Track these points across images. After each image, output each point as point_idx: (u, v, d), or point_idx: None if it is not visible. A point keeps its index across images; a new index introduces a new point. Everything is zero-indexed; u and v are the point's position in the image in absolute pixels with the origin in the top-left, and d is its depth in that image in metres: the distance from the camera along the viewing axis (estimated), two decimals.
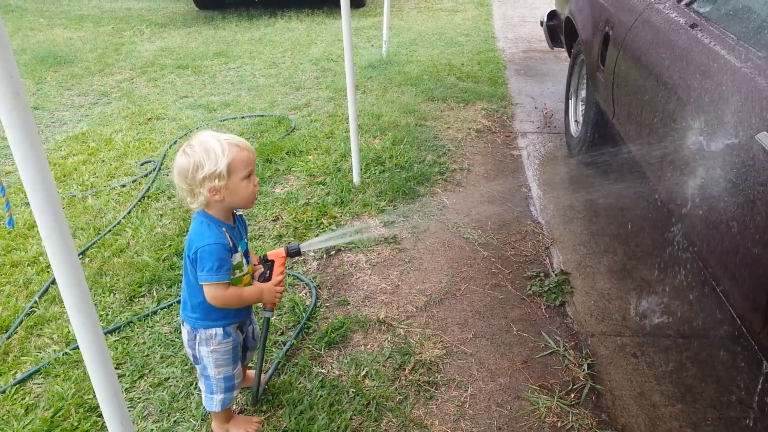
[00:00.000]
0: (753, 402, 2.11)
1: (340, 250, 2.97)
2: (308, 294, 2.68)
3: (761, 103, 1.72)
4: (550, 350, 2.37)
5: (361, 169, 3.52)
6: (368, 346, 2.40)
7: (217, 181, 1.68)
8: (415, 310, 2.59)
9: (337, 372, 2.26)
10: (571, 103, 3.90)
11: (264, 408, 2.11)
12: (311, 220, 3.16)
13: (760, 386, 2.09)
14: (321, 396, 2.13)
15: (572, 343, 2.41)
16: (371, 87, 4.81)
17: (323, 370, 2.27)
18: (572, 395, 2.17)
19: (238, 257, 1.81)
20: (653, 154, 2.42)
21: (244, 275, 1.87)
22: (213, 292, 1.75)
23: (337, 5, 7.50)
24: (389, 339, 2.42)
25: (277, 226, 3.15)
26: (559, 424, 2.06)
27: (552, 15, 4.39)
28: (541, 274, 2.77)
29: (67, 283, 1.17)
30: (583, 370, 2.27)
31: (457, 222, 3.15)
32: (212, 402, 1.92)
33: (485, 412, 2.11)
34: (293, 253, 2.00)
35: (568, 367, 2.29)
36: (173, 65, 6.01)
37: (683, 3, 2.48)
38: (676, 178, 2.22)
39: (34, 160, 1.07)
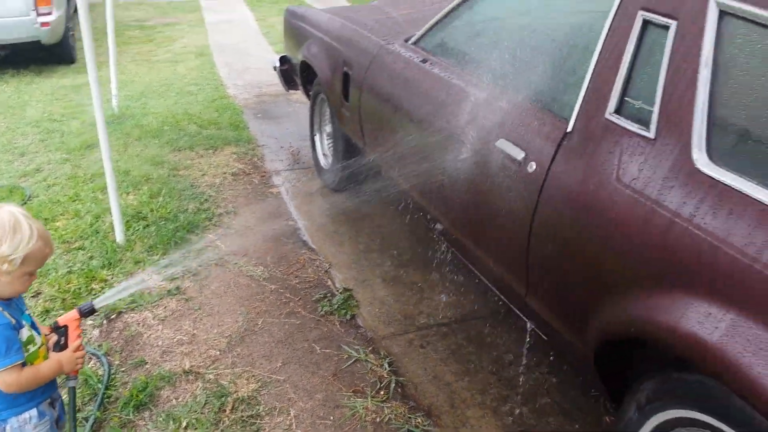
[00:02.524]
0: (522, 359, 2.57)
1: (121, 312, 2.85)
2: (98, 364, 2.53)
3: (497, 115, 2.16)
4: (353, 359, 2.58)
5: (123, 227, 3.39)
6: (180, 399, 2.37)
7: (6, 266, 1.57)
8: (218, 353, 2.61)
9: None
10: (317, 138, 4.21)
11: None
12: (79, 288, 2.97)
13: (527, 344, 2.54)
14: None
15: (370, 348, 2.65)
16: (110, 143, 4.59)
17: None
18: (382, 392, 2.41)
19: (25, 332, 1.70)
20: (406, 170, 2.80)
21: (39, 348, 1.75)
22: (7, 379, 1.62)
23: (45, 63, 6.97)
24: (201, 386, 2.42)
25: (41, 301, 2.89)
26: (378, 419, 2.28)
27: (284, 60, 4.69)
28: (328, 295, 2.98)
29: None
30: (385, 369, 2.52)
31: (237, 262, 3.22)
32: None
33: (312, 428, 2.23)
34: (87, 312, 1.92)
35: (372, 369, 2.53)
36: None
37: (410, 42, 2.93)
38: (429, 185, 2.61)
39: None
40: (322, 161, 4.16)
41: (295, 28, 4.35)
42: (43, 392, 1.76)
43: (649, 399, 1.67)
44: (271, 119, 5.37)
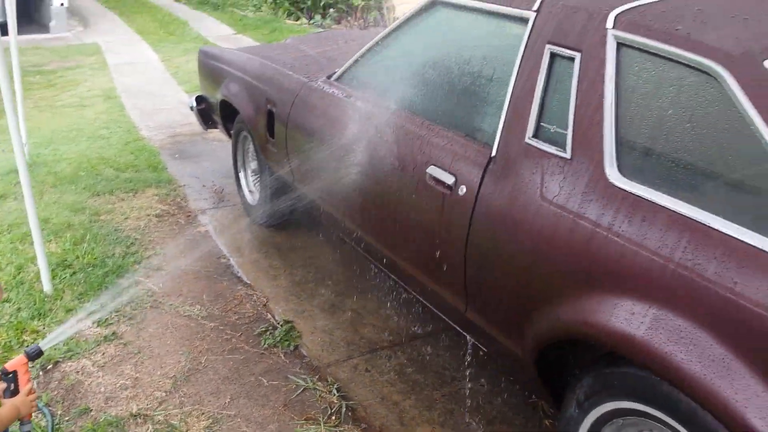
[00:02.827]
0: (464, 374, 2.71)
1: (57, 361, 2.78)
2: (40, 415, 2.46)
3: (425, 144, 2.32)
4: (301, 388, 2.64)
5: (50, 276, 3.30)
6: None
7: None
8: (165, 394, 2.59)
9: None
10: (242, 175, 4.25)
11: None
12: (10, 342, 2.87)
13: (467, 359, 2.69)
14: None
15: (317, 376, 2.71)
16: (23, 192, 4.44)
17: None
18: (333, 417, 2.48)
19: None
20: (339, 200, 2.91)
21: None
22: None
23: None
24: (151, 428, 2.40)
25: None
26: None
27: (200, 99, 4.71)
28: (269, 328, 3.03)
29: None
30: (334, 395, 2.60)
31: (173, 303, 3.21)
32: None
33: None
34: (35, 355, 1.94)
35: (322, 396, 2.59)
36: None
37: (333, 79, 3.06)
38: (364, 214, 2.73)
39: None
40: (249, 197, 4.20)
41: (212, 68, 4.40)
42: None
43: (587, 395, 1.84)
44: (190, 159, 5.35)
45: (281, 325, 3.04)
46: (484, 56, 2.45)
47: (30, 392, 1.85)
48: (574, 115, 1.92)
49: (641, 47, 1.81)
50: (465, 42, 2.60)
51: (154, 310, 3.16)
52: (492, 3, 2.35)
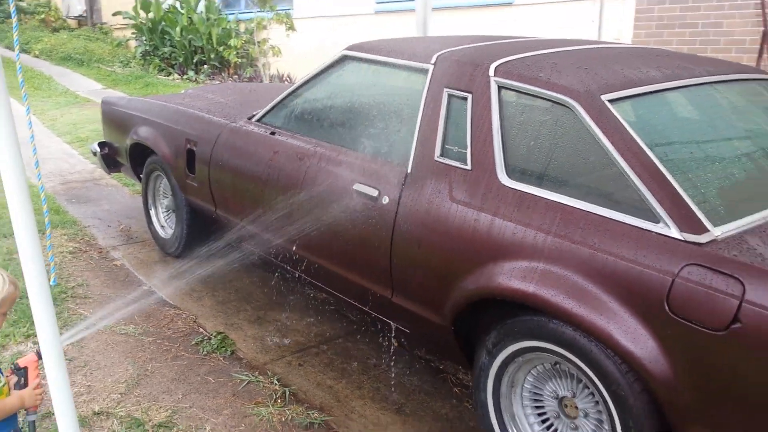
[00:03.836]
0: (389, 357, 3.21)
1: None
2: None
3: (350, 168, 2.87)
4: (246, 381, 3.01)
5: None
6: None
7: None
8: (121, 396, 2.86)
9: None
10: (153, 212, 4.53)
11: None
12: None
13: (392, 344, 3.19)
14: None
15: (257, 372, 3.10)
16: None
17: None
18: (279, 400, 2.88)
19: None
20: (267, 220, 3.36)
21: (2, 386, 2.01)
22: None
23: None
24: (116, 422, 2.67)
25: None
26: (283, 419, 2.75)
27: (102, 145, 4.95)
28: (205, 339, 3.36)
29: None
30: (276, 384, 2.99)
31: (108, 325, 3.44)
32: None
33: None
34: None
35: (265, 386, 2.98)
36: None
37: (255, 119, 3.54)
38: (297, 231, 3.20)
39: None
40: (161, 232, 4.49)
41: (118, 116, 4.71)
42: (7, 425, 1.99)
43: (494, 343, 2.42)
44: (88, 202, 5.49)
45: (215, 336, 3.39)
46: (395, 98, 3.07)
47: (37, 386, 2.09)
48: (471, 138, 2.56)
49: (515, 89, 2.51)
50: (375, 87, 3.21)
51: (92, 331, 3.37)
52: (396, 58, 2.98)
